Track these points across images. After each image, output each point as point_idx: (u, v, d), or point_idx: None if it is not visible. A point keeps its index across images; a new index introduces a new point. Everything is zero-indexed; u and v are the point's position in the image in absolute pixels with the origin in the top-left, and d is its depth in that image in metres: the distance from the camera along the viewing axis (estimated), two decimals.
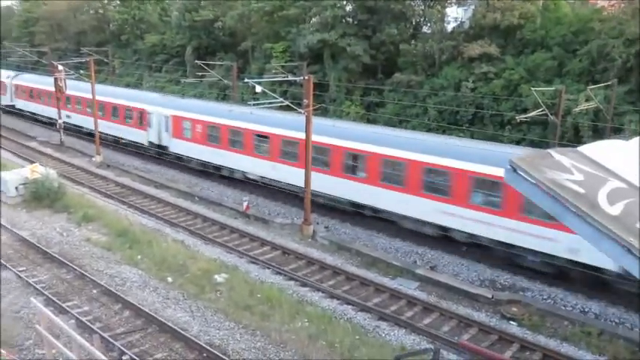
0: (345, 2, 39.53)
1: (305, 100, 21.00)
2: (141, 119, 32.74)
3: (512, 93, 30.04)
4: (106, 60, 59.57)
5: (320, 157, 22.79)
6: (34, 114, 44.77)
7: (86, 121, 37.48)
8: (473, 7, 35.83)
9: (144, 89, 49.19)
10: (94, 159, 33.66)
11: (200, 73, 43.01)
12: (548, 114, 24.12)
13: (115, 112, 35.30)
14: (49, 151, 36.15)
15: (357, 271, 18.46)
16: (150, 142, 32.43)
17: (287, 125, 24.49)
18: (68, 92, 37.30)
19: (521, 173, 5.41)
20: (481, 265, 19.28)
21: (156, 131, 31.60)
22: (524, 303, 16.38)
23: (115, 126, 35.48)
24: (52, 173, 24.75)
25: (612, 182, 5.32)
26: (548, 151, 5.85)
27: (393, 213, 21.08)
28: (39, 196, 23.58)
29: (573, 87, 27.70)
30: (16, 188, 23.82)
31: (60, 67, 35.90)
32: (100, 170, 31.51)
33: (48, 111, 42.27)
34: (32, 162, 29.55)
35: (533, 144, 26.32)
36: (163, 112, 31.03)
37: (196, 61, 44.40)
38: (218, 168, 28.63)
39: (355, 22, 38.77)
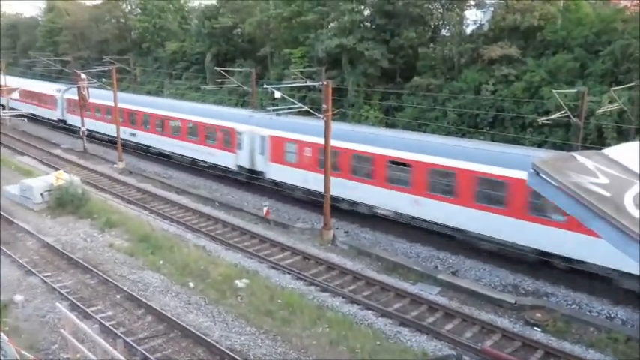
0: (363, 7, 39.57)
1: (324, 105, 21.05)
2: (228, 140, 28.53)
3: (533, 95, 29.66)
4: (127, 68, 60.56)
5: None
6: (90, 131, 40.13)
7: (157, 141, 34.60)
8: (492, 9, 35.57)
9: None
10: (116, 166, 34.16)
11: (219, 80, 43.46)
12: (571, 116, 23.72)
13: (192, 132, 31.40)
14: (73, 158, 36.80)
15: (378, 276, 18.38)
16: (239, 167, 28.26)
17: (436, 151, 20.55)
18: (129, 107, 36.12)
19: (544, 177, 5.36)
20: (503, 270, 19.05)
21: (248, 154, 27.53)
22: (549, 308, 16.12)
23: (191, 147, 31.49)
24: (76, 180, 25.17)
25: (638, 185, 5.22)
26: (572, 154, 5.79)
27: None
28: (63, 203, 23.98)
29: (596, 88, 27.23)
30: (42, 195, 24.27)
31: (83, 76, 36.57)
32: (123, 177, 31.97)
33: (109, 129, 38.12)
34: (57, 169, 30.08)
35: (555, 147, 25.94)
36: (259, 132, 26.84)
37: (216, 68, 44.82)
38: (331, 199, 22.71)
39: (373, 27, 38.75)
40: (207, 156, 30.35)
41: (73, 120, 42.96)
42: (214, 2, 54.45)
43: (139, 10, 68.86)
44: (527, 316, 15.72)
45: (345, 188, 22.94)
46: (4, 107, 46.22)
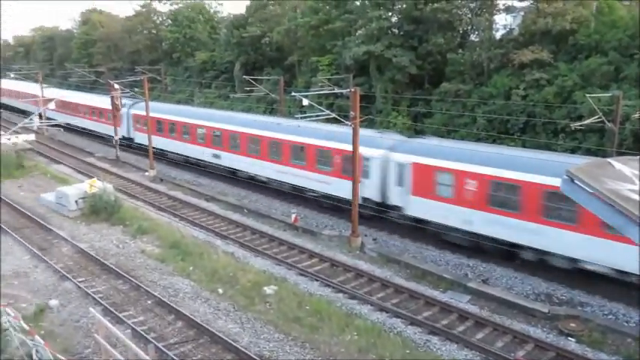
0: (390, 14, 39.53)
1: (352, 113, 21.05)
2: (349, 166, 22.54)
3: (565, 100, 29.07)
4: (158, 78, 61.85)
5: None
6: (162, 151, 37.03)
7: (249, 165, 29.85)
8: (522, 13, 35.07)
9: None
10: (147, 173, 34.79)
11: (248, 88, 43.98)
12: (605, 121, 23.17)
13: (297, 155, 26.64)
14: (106, 166, 37.65)
15: (407, 284, 18.21)
16: (364, 199, 23.08)
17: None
18: (210, 124, 32.84)
19: (579, 183, 5.25)
20: (536, 279, 18.64)
21: (377, 184, 22.84)
22: (584, 318, 15.69)
23: (295, 172, 26.73)
24: (109, 187, 25.73)
25: None
26: (608, 160, 5.65)
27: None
28: (97, 210, 24.54)
29: (631, 92, 26.53)
30: (76, 202, 24.88)
31: (116, 86, 37.48)
32: (154, 184, 32.53)
33: (189, 150, 34.99)
34: (91, 177, 30.79)
35: (589, 153, 25.35)
36: (396, 159, 22.16)
37: (244, 77, 45.43)
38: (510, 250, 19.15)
39: (401, 33, 38.65)
40: (318, 184, 25.56)
41: (143, 139, 38.32)
42: (243, 12, 55.21)
43: (169, 21, 70.38)
44: (561, 326, 15.32)
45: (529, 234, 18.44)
46: (40, 117, 47.54)
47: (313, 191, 26.03)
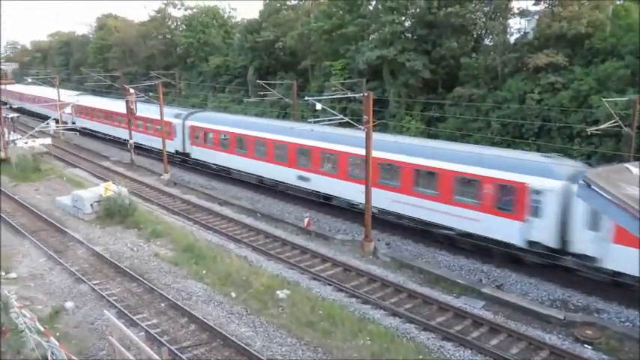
0: (403, 18, 39.49)
1: (365, 117, 21.04)
2: (509, 201, 19.14)
3: (581, 104, 28.77)
4: (173, 82, 62.40)
5: None
6: (227, 169, 33.05)
7: (350, 191, 24.71)
8: (537, 17, 34.83)
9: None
10: (162, 177, 35.04)
11: (261, 93, 44.17)
12: (622, 125, 22.91)
13: (426, 182, 21.92)
14: (121, 170, 38.00)
15: (420, 289, 18.11)
16: (530, 242, 18.89)
17: None
18: (295, 141, 27.67)
19: (596, 189, 5.20)
20: (551, 285, 18.44)
21: (553, 225, 18.21)
22: (600, 325, 15.48)
23: (423, 204, 21.82)
24: (124, 191, 25.95)
25: None
26: (625, 165, 5.58)
27: None
28: (112, 213, 24.75)
29: None
30: (92, 205, 25.14)
31: (131, 90, 37.87)
32: (168, 188, 32.74)
33: (267, 170, 29.78)
34: (106, 180, 31.10)
35: (605, 158, 25.03)
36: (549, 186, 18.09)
37: (258, 81, 45.65)
38: None
39: (414, 37, 38.58)
40: (458, 220, 20.79)
41: (201, 154, 34.87)
42: (256, 17, 55.53)
43: (184, 26, 70.98)
44: (577, 333, 15.13)
45: None
46: (57, 122, 48.14)
47: (449, 228, 21.27)
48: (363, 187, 22.02)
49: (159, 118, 35.23)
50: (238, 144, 31.82)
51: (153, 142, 39.77)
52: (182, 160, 36.71)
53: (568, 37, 31.08)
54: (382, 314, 16.37)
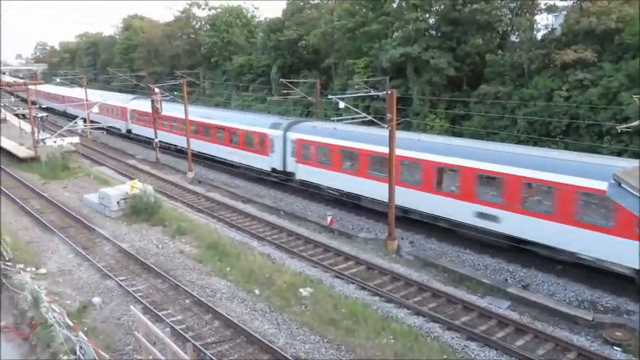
0: (427, 15, 39.16)
1: (388, 115, 20.91)
2: None
3: (611, 101, 28.13)
4: (197, 82, 63.09)
5: None
6: (355, 196, 25.83)
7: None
8: (565, 12, 34.17)
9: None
10: (186, 175, 35.42)
11: (285, 91, 44.36)
12: None
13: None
14: (146, 168, 38.54)
15: (444, 288, 17.92)
16: None
17: None
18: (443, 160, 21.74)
19: (627, 187, 5.06)
20: (579, 285, 18.06)
21: None
22: (630, 327, 15.09)
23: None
24: (149, 189, 26.30)
25: None
26: None
27: None
28: (137, 210, 25.13)
29: None
30: (118, 203, 25.55)
31: (157, 90, 38.37)
32: (192, 186, 33.07)
33: (422, 200, 22.47)
34: (132, 178, 31.57)
35: (636, 156, 24.43)
36: None
37: (281, 80, 45.84)
38: None
39: (439, 35, 38.24)
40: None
41: (311, 175, 28.14)
42: (280, 16, 55.74)
43: (208, 26, 71.66)
44: (606, 335, 14.79)
45: None
46: (85, 121, 49.04)
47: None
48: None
49: (243, 127, 32.12)
50: (372, 165, 24.63)
51: (235, 156, 33.97)
52: (282, 181, 30.59)
53: (597, 33, 30.42)
54: (406, 313, 16.24)
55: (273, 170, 30.95)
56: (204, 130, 37.24)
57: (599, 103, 28.38)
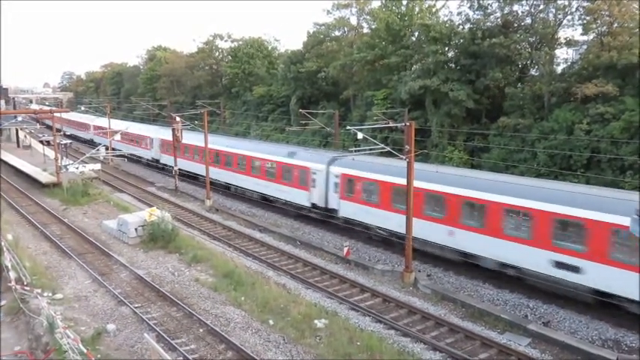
0: (447, 48, 39.44)
1: (406, 146, 20.89)
2: None
3: (633, 136, 27.73)
4: (217, 111, 64.05)
5: None
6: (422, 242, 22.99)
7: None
8: (585, 46, 34.13)
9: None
10: (204, 203, 35.60)
11: (304, 122, 44.71)
12: None
13: None
14: (165, 195, 38.91)
15: (462, 323, 17.54)
16: None
17: None
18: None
19: None
20: (602, 323, 17.51)
21: None
22: None
23: None
24: (167, 216, 26.47)
25: None
26: None
27: None
28: (155, 238, 25.26)
29: None
30: (136, 230, 25.73)
31: (177, 119, 39.05)
32: (209, 214, 33.22)
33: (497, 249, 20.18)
34: (150, 206, 31.83)
35: None
36: None
37: (300, 110, 46.26)
38: None
39: (458, 67, 38.40)
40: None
41: (356, 212, 26.39)
42: (300, 48, 56.69)
43: (229, 58, 73.16)
44: None
45: None
46: (107, 148, 49.98)
47: None
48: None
49: (281, 159, 30.92)
50: (431, 204, 22.67)
51: (270, 189, 32.65)
52: (326, 217, 28.86)
53: (618, 67, 30.24)
54: (422, 348, 15.89)
55: (314, 206, 29.53)
56: (239, 162, 36.08)
57: (620, 137, 28.00)
